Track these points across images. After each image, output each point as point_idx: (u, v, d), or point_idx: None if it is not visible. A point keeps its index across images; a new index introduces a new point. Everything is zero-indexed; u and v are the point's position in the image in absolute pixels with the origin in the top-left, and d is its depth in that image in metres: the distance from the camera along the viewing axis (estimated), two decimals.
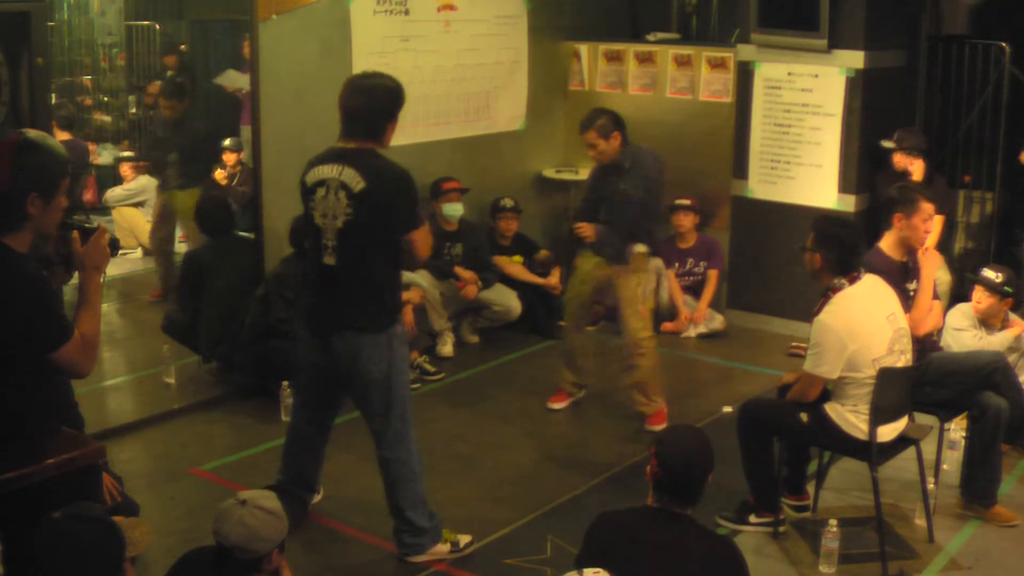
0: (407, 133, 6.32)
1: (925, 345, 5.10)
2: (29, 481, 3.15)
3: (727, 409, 6.11)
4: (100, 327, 3.31)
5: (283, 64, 6.35)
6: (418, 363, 6.60)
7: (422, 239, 4.37)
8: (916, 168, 6.89)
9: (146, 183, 8.54)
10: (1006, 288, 5.58)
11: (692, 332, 7.53)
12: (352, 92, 4.30)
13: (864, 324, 4.44)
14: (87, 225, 3.38)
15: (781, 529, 4.78)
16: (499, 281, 7.44)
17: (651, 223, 5.86)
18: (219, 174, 7.84)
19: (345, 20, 6.70)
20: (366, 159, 4.25)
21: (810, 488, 5.03)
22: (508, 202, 7.64)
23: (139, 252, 8.66)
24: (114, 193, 8.65)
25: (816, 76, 7.22)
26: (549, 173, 8.33)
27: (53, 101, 6.74)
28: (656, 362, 5.93)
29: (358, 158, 4.24)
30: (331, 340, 4.37)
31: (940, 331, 5.60)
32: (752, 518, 4.81)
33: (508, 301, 7.39)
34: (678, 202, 7.57)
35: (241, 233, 6.82)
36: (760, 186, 7.57)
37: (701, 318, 7.56)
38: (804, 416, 4.57)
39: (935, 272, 5.13)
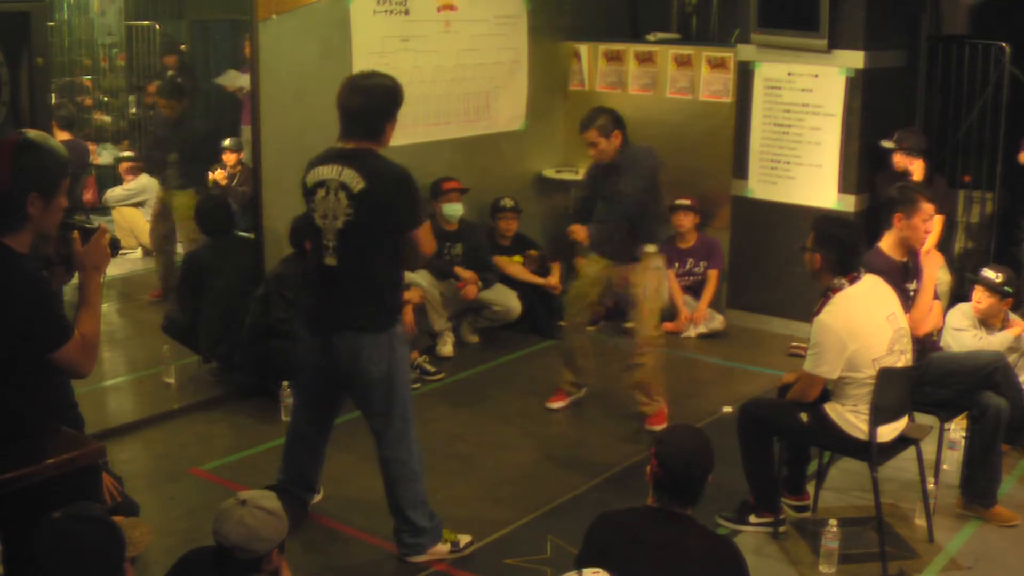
0: (407, 133, 6.33)
1: (925, 345, 5.10)
2: (29, 481, 3.15)
3: (727, 409, 6.11)
4: (100, 327, 3.31)
5: (283, 64, 6.35)
6: (418, 363, 6.60)
7: (425, 236, 4.37)
8: (916, 168, 6.90)
9: (146, 183, 8.54)
10: (1006, 288, 5.58)
11: (692, 332, 7.53)
12: (350, 92, 4.30)
13: (864, 324, 4.44)
14: (87, 225, 3.38)
15: (781, 529, 4.78)
16: (499, 281, 7.45)
17: (652, 223, 5.85)
18: (219, 174, 7.83)
19: (345, 20, 6.70)
20: (366, 159, 4.25)
21: (810, 488, 5.03)
22: (508, 202, 7.64)
23: (139, 252, 8.66)
24: (114, 193, 8.65)
25: (816, 76, 7.22)
26: (549, 173, 8.33)
27: (53, 101, 6.74)
28: (659, 362, 5.94)
29: (358, 158, 4.24)
30: (331, 340, 4.37)
31: (940, 331, 5.60)
32: (752, 518, 4.81)
33: (508, 301, 7.39)
34: (678, 202, 7.57)
35: (241, 233, 6.82)
36: (760, 186, 7.58)
37: (701, 318, 7.56)
38: (804, 416, 4.57)
39: (936, 273, 5.13)
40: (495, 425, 6.05)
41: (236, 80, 8.08)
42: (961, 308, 5.78)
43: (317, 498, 4.94)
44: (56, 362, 3.18)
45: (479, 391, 6.57)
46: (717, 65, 7.75)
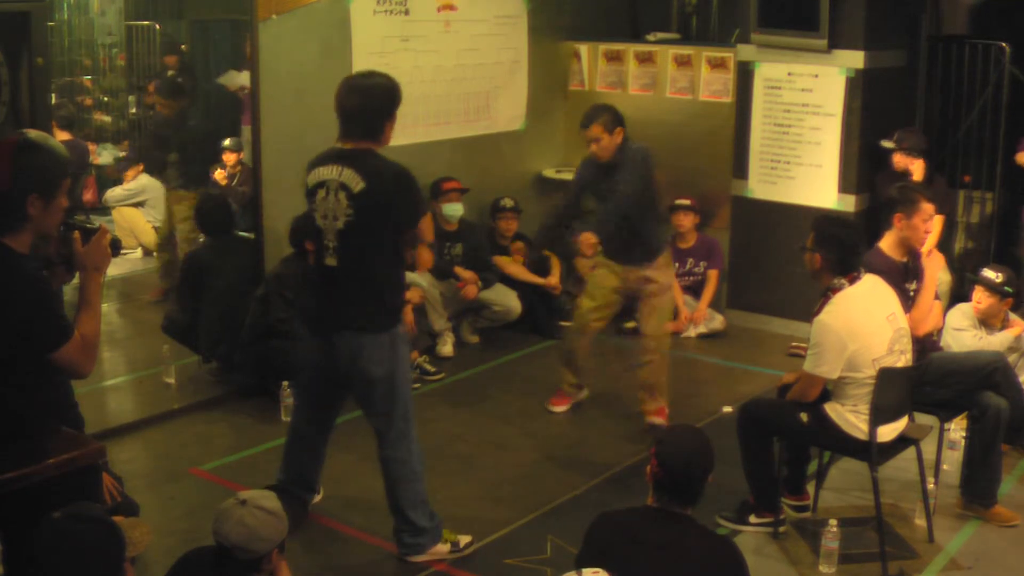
0: (407, 133, 6.33)
1: (925, 345, 5.10)
2: (29, 481, 3.15)
3: (727, 409, 6.11)
4: (100, 327, 3.31)
5: (283, 64, 6.36)
6: (418, 363, 6.59)
7: (426, 227, 4.38)
8: (916, 168, 6.90)
9: (146, 183, 8.54)
10: (1006, 288, 5.58)
11: (692, 332, 7.53)
12: (349, 92, 4.30)
13: (864, 324, 4.44)
14: (88, 226, 3.38)
15: (781, 529, 4.78)
16: (499, 281, 7.45)
17: (653, 224, 5.85)
18: (219, 174, 7.84)
19: (345, 20, 6.70)
20: (365, 159, 4.25)
21: (810, 488, 5.03)
22: (508, 202, 7.64)
23: (139, 252, 8.66)
24: (114, 193, 8.65)
25: (816, 76, 7.22)
26: (549, 173, 8.33)
27: (53, 101, 6.74)
28: (666, 361, 5.94)
29: (357, 158, 4.24)
30: (332, 340, 4.37)
31: (940, 331, 5.60)
32: (752, 518, 4.81)
33: (508, 301, 7.39)
34: (678, 202, 7.57)
35: (241, 233, 6.82)
36: (760, 186, 7.58)
37: (701, 318, 7.56)
38: (804, 416, 4.57)
39: (938, 273, 5.13)
40: (495, 425, 6.05)
41: (237, 80, 8.08)
42: (961, 308, 5.78)
43: (317, 498, 4.94)
44: (56, 362, 3.18)
45: (479, 391, 6.57)
46: (717, 65, 7.75)
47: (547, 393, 6.29)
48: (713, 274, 7.67)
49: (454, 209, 7.22)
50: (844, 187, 7.22)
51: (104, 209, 8.73)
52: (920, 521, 4.83)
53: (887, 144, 7.07)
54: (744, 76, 7.54)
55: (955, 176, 7.56)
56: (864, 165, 7.22)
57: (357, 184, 4.20)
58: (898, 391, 4.54)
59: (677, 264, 7.62)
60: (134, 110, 9.34)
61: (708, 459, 3.31)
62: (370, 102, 4.28)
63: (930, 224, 5.08)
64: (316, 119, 5.90)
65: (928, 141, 7.15)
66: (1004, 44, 7.24)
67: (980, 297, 5.65)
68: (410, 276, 6.72)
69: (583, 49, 8.38)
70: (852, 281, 4.48)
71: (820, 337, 4.45)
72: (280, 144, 6.29)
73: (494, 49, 7.79)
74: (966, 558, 4.63)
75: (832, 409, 4.53)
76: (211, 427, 5.93)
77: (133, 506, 4.32)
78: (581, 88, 8.38)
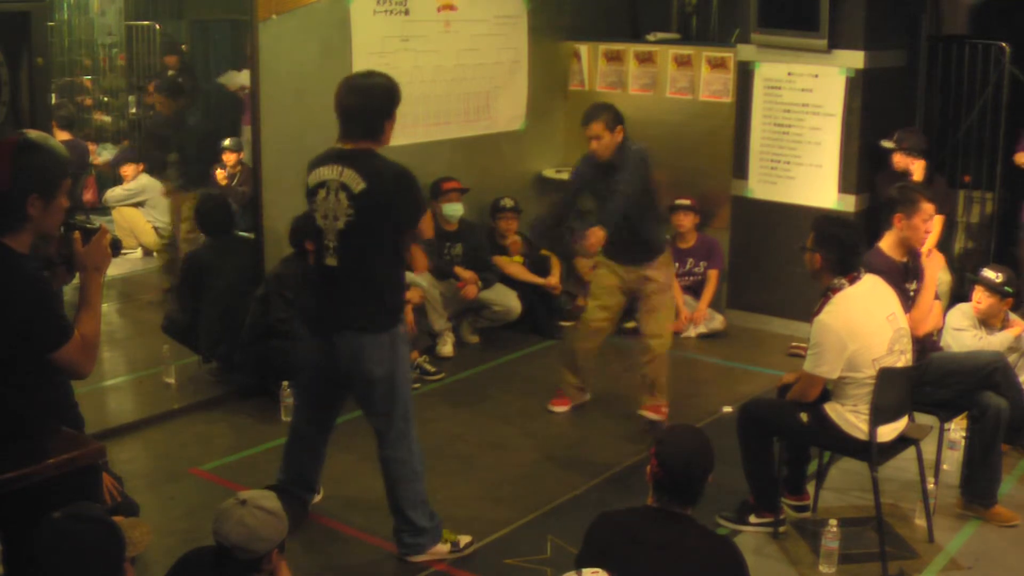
0: (407, 133, 6.33)
1: (925, 345, 5.10)
2: (29, 481, 3.15)
3: (727, 409, 6.11)
4: (100, 328, 3.31)
5: (283, 64, 6.36)
6: (418, 363, 6.60)
7: (425, 223, 4.39)
8: (916, 168, 6.90)
9: (146, 183, 8.54)
10: (1006, 288, 5.58)
11: (692, 332, 7.53)
12: (348, 93, 4.30)
13: (864, 324, 4.44)
14: (89, 226, 3.38)
15: (781, 529, 4.78)
16: (499, 281, 7.45)
17: (653, 224, 5.85)
18: (219, 174, 7.84)
19: (345, 20, 6.70)
20: (366, 159, 4.25)
21: (810, 488, 5.03)
22: (508, 202, 7.64)
23: (139, 252, 8.66)
24: (114, 193, 8.65)
25: (816, 76, 7.22)
26: (549, 173, 8.33)
27: (53, 101, 6.74)
28: (667, 361, 5.94)
29: (358, 159, 4.25)
30: (332, 340, 4.37)
31: (940, 331, 5.60)
32: (752, 518, 4.81)
33: (508, 301, 7.39)
34: (678, 202, 7.57)
35: (241, 233, 6.82)
36: (760, 186, 7.58)
37: (701, 318, 7.56)
38: (804, 416, 4.57)
39: (938, 273, 5.13)
40: (495, 425, 6.05)
41: (237, 80, 8.08)
42: (961, 308, 5.78)
43: (317, 498, 4.94)
44: (56, 362, 3.18)
45: (479, 391, 6.57)
46: (717, 65, 7.75)
47: (547, 393, 6.29)
48: (713, 274, 7.67)
49: (454, 209, 7.22)
50: (844, 187, 7.22)
51: (104, 209, 8.73)
52: (920, 521, 4.83)
53: (887, 144, 7.07)
54: (744, 76, 7.54)
55: (955, 176, 7.56)
56: (864, 165, 7.22)
57: (358, 184, 4.20)
58: (898, 391, 4.54)
59: (677, 264, 7.62)
60: (134, 110, 9.34)
61: (708, 459, 3.31)
62: (370, 102, 4.28)
63: (930, 224, 5.08)
64: (316, 119, 5.90)
65: (928, 141, 7.15)
66: (1004, 44, 7.24)
67: (980, 297, 5.65)
68: (410, 276, 6.70)
69: (583, 49, 8.38)
70: (852, 281, 4.48)
71: (820, 337, 4.45)
72: (280, 144, 6.29)
73: (494, 49, 7.79)
74: (966, 558, 4.63)
75: (832, 409, 4.53)
76: (211, 427, 5.93)
77: (133, 506, 4.32)
78: (581, 88, 8.38)
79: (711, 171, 7.79)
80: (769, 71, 7.41)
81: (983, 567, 4.57)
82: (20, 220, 3.16)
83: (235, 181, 7.77)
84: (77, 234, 3.30)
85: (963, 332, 5.64)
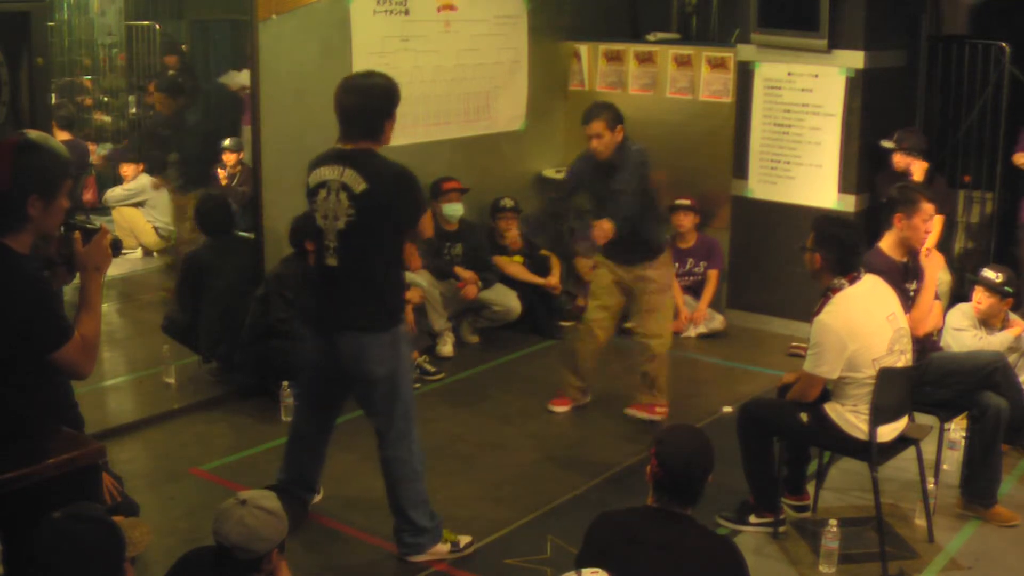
0: (407, 133, 6.33)
1: (925, 345, 5.10)
2: (29, 481, 3.15)
3: (727, 409, 6.11)
4: (100, 328, 3.31)
5: (283, 64, 6.36)
6: (418, 363, 6.59)
7: (425, 223, 4.40)
8: (917, 168, 6.89)
9: (146, 183, 8.54)
10: (1006, 288, 5.58)
11: (692, 332, 7.53)
12: (346, 93, 4.30)
13: (864, 324, 4.44)
14: (89, 226, 3.38)
15: (781, 529, 4.78)
16: (499, 281, 7.45)
17: (653, 224, 5.85)
18: (220, 174, 7.84)
19: (345, 20, 6.70)
20: (366, 159, 4.25)
21: (810, 488, 5.03)
22: (508, 202, 7.64)
23: (139, 252, 8.66)
24: (114, 193, 8.65)
25: (816, 76, 7.22)
26: (549, 173, 8.32)
27: (53, 101, 6.73)
28: (667, 361, 5.94)
29: (358, 159, 4.25)
30: (334, 340, 4.37)
31: (940, 331, 5.60)
32: (752, 518, 4.81)
33: (508, 301, 7.39)
34: (678, 202, 7.57)
35: (241, 233, 6.82)
36: (760, 186, 7.58)
37: (701, 318, 7.56)
38: (804, 416, 4.57)
39: (938, 273, 5.13)
40: (495, 425, 6.05)
41: (238, 79, 8.08)
42: (961, 308, 5.78)
43: (317, 498, 4.94)
44: (56, 363, 3.18)
45: (479, 391, 6.57)
46: (717, 65, 7.75)
47: (547, 393, 6.29)
48: (713, 274, 7.67)
49: (454, 209, 7.22)
50: (844, 187, 7.22)
51: (104, 209, 8.73)
52: (920, 521, 4.83)
53: (887, 144, 7.07)
54: (744, 76, 7.54)
55: (955, 176, 7.56)
56: (864, 165, 7.22)
57: (359, 185, 4.20)
58: (898, 391, 4.54)
59: (677, 264, 7.62)
60: (134, 110, 9.34)
61: (708, 459, 3.31)
62: (369, 102, 4.28)
63: (930, 224, 5.08)
64: (316, 119, 5.90)
65: (928, 141, 7.15)
66: (1004, 44, 7.24)
67: (980, 297, 5.65)
68: (410, 276, 6.71)
69: (583, 49, 8.38)
70: (852, 281, 4.48)
71: (820, 337, 4.45)
72: (280, 144, 6.29)
73: (494, 49, 7.79)
74: (966, 558, 4.63)
75: (832, 409, 4.53)
76: (211, 427, 5.93)
77: (133, 506, 4.32)
78: (581, 88, 8.38)
79: (711, 171, 7.79)
80: (769, 71, 7.41)
81: (983, 567, 4.57)
82: (20, 220, 3.16)
83: (235, 181, 7.77)
84: (78, 234, 3.30)
85: (963, 332, 5.64)
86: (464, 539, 4.63)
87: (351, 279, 4.31)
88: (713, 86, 7.79)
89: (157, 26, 9.05)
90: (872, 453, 4.48)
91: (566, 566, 3.36)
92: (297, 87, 6.40)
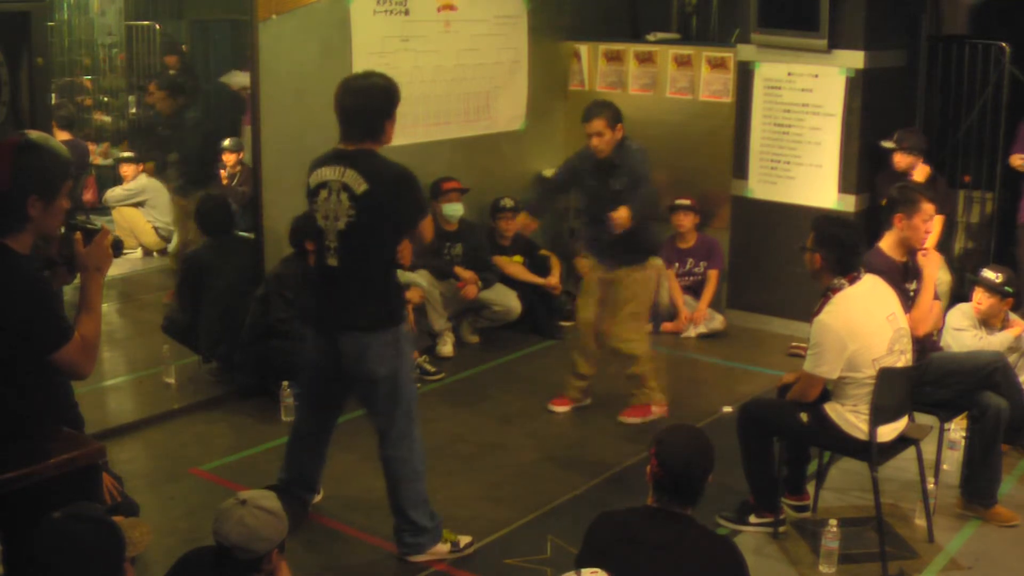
0: (407, 133, 6.33)
1: (925, 345, 5.10)
2: (29, 481, 3.15)
3: (727, 409, 6.11)
4: (101, 328, 3.31)
5: (283, 64, 6.35)
6: (418, 363, 6.59)
7: (425, 227, 4.40)
8: (919, 171, 6.88)
9: (146, 183, 8.54)
10: (1006, 288, 5.59)
11: (692, 332, 7.54)
12: (346, 94, 4.31)
13: (864, 324, 4.44)
14: (90, 226, 3.38)
15: (781, 529, 4.78)
16: (499, 281, 7.45)
17: (652, 225, 5.84)
18: (221, 174, 7.84)
19: (345, 20, 6.70)
20: (367, 160, 4.25)
21: (810, 488, 5.03)
22: (508, 202, 7.64)
23: (139, 252, 8.66)
24: (114, 193, 8.65)
25: (816, 76, 7.22)
26: (549, 173, 8.29)
27: (53, 101, 6.74)
28: (651, 353, 5.95)
29: (359, 159, 4.25)
30: (335, 340, 4.37)
31: (940, 331, 5.60)
32: (752, 518, 4.81)
33: (508, 301, 7.39)
34: (678, 202, 7.57)
35: (241, 233, 6.82)
36: (760, 186, 7.58)
37: (701, 318, 7.56)
38: (804, 416, 4.57)
39: (937, 273, 5.13)
40: (495, 425, 6.05)
41: (239, 79, 8.08)
42: (961, 308, 5.78)
43: (318, 498, 4.94)
44: (56, 363, 3.18)
45: (479, 391, 6.57)
46: (717, 65, 7.75)
47: (547, 393, 6.29)
48: (713, 274, 7.67)
49: (454, 209, 7.22)
50: (844, 187, 7.22)
51: (104, 209, 8.74)
52: (920, 521, 4.83)
53: (887, 144, 7.07)
54: (744, 76, 7.54)
55: (955, 176, 7.56)
56: (864, 165, 7.22)
57: (360, 185, 4.21)
58: (898, 391, 4.54)
59: (677, 264, 7.63)
60: (134, 110, 9.34)
61: (708, 459, 3.31)
62: (368, 102, 4.29)
63: (930, 224, 5.08)
64: (316, 119, 5.90)
65: (928, 141, 7.15)
66: (1004, 44, 7.23)
67: (980, 298, 5.65)
68: (410, 276, 6.73)
69: (583, 49, 8.38)
70: (852, 281, 4.48)
71: (820, 337, 4.45)
72: (280, 144, 6.29)
73: (494, 49, 7.79)
74: (966, 558, 4.63)
75: (832, 409, 4.53)
76: (211, 427, 5.93)
77: (133, 506, 4.32)
78: (581, 88, 8.38)
79: (711, 171, 7.79)
80: (769, 71, 7.41)
81: (983, 567, 4.57)
82: (20, 221, 3.16)
83: (235, 181, 7.77)
84: (79, 235, 3.30)
85: (963, 332, 5.64)
86: (464, 539, 4.63)
87: (352, 279, 4.31)
88: (713, 86, 7.79)
89: (157, 26, 9.05)
90: (872, 453, 4.48)
91: (566, 566, 3.36)
92: (297, 87, 6.40)
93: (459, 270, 7.17)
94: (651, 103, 8.02)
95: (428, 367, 6.70)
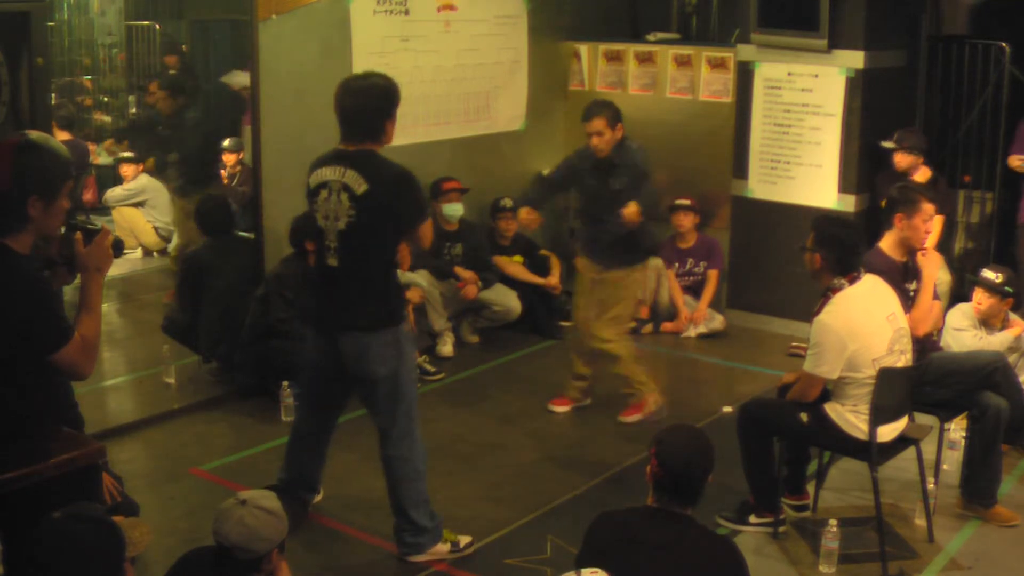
0: (407, 133, 6.33)
1: (925, 345, 5.10)
2: (29, 481, 3.15)
3: (727, 409, 6.11)
4: (101, 329, 3.31)
5: (283, 64, 6.35)
6: (418, 363, 6.59)
7: (425, 231, 4.40)
8: (921, 175, 6.87)
9: (146, 183, 8.55)
10: (1006, 288, 5.59)
11: (692, 332, 7.54)
12: (346, 95, 4.31)
13: (864, 324, 4.44)
14: (90, 226, 3.38)
15: (781, 529, 4.78)
16: (499, 281, 7.45)
17: (647, 223, 5.84)
18: (221, 174, 7.84)
19: (345, 20, 6.70)
20: (368, 160, 4.26)
21: (810, 488, 5.03)
22: (508, 202, 7.63)
23: (139, 252, 8.66)
24: (114, 193, 8.66)
25: (816, 76, 7.22)
26: (549, 173, 8.32)
27: (53, 101, 6.74)
28: (632, 351, 5.96)
29: (360, 160, 4.25)
30: (335, 340, 4.37)
31: (940, 331, 5.60)
32: (752, 518, 4.81)
33: (508, 301, 7.39)
34: (678, 202, 7.57)
35: (241, 233, 6.82)
36: (760, 186, 7.58)
37: (701, 318, 7.56)
38: (804, 416, 4.57)
39: (936, 272, 5.13)
40: (495, 425, 6.05)
41: (240, 79, 8.07)
42: (961, 308, 5.78)
43: (318, 498, 4.94)
44: (56, 363, 3.18)
45: (479, 391, 6.57)
46: (717, 65, 7.75)
47: (547, 393, 6.29)
48: (713, 274, 7.67)
49: (454, 209, 7.22)
50: (844, 187, 7.22)
51: (104, 209, 8.73)
52: (920, 521, 4.83)
53: (887, 144, 7.07)
54: (744, 76, 7.54)
55: (955, 176, 7.56)
56: (864, 165, 7.22)
57: (360, 186, 4.21)
58: (898, 391, 4.54)
59: (677, 264, 7.64)
60: (134, 110, 9.34)
61: (708, 459, 3.31)
62: (368, 103, 4.29)
63: (930, 224, 5.08)
64: (316, 119, 5.90)
65: (928, 141, 7.15)
66: (1004, 44, 7.24)
67: (980, 298, 5.65)
68: (410, 276, 6.72)
69: (583, 49, 8.38)
70: (852, 281, 4.48)
71: (820, 337, 4.45)
72: (280, 144, 6.29)
73: (494, 49, 7.79)
74: (966, 558, 4.63)
75: (832, 409, 4.53)
76: (211, 427, 5.93)
77: (133, 506, 4.32)
78: (581, 88, 8.38)
79: (711, 171, 7.79)
80: (769, 71, 7.41)
81: (983, 567, 4.57)
82: (21, 221, 3.16)
83: (235, 181, 7.77)
84: (79, 235, 3.30)
85: (963, 332, 5.64)
86: (464, 539, 4.63)
87: (352, 279, 4.32)
88: (713, 86, 7.79)
89: (157, 26, 9.05)
90: (872, 453, 4.48)
91: (566, 566, 3.36)
92: (297, 87, 6.40)
93: (459, 270, 7.17)
94: (651, 103, 8.02)
95: (428, 367, 6.70)
